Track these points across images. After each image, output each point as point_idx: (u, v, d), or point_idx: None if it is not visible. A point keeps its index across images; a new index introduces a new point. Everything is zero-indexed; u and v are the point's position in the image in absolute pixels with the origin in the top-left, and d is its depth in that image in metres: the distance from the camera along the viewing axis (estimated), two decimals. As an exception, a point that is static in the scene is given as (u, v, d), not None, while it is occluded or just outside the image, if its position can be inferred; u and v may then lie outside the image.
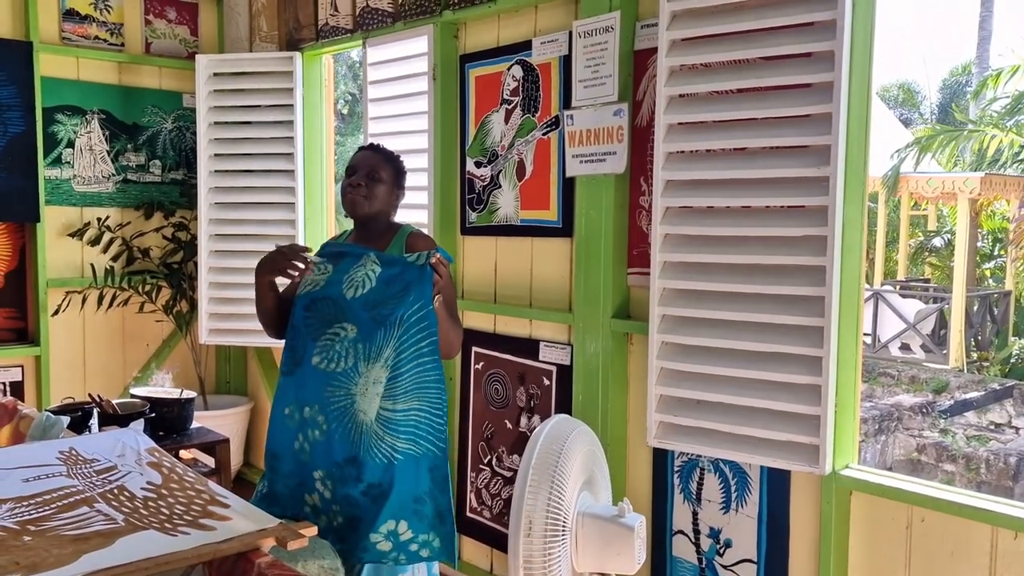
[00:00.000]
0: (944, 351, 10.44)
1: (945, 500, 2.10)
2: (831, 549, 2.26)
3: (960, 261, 10.62)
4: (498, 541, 3.26)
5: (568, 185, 2.92)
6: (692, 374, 2.43)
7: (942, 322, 10.81)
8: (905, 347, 10.92)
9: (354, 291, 2.20)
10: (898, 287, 12.41)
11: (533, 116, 3.05)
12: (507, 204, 3.17)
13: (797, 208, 2.26)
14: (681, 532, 2.66)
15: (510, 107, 3.14)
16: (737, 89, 2.34)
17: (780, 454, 2.26)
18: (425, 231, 3.35)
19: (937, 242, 14.27)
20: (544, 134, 3.02)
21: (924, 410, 8.15)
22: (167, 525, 1.66)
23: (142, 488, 1.87)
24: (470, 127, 3.30)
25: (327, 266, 2.32)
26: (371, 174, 2.33)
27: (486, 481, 3.31)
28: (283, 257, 2.24)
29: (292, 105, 3.91)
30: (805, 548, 2.37)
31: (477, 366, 3.33)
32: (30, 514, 1.70)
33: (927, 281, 13.78)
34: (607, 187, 2.73)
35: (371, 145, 2.45)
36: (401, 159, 2.45)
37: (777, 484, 2.42)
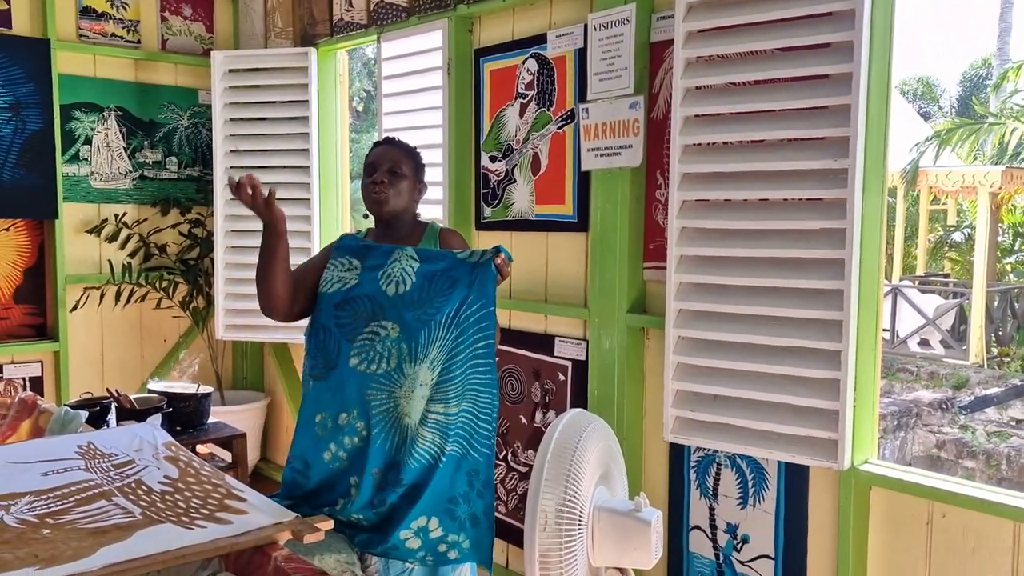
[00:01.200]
0: (964, 347, 10.34)
1: (967, 495, 2.07)
2: (850, 545, 2.24)
3: (980, 256, 10.49)
4: (513, 536, 3.26)
5: (583, 179, 2.91)
6: (709, 369, 2.41)
7: (962, 317, 10.70)
8: (924, 343, 10.82)
9: (395, 288, 2.09)
10: (917, 282, 12.31)
11: (548, 110, 3.04)
12: (522, 199, 3.16)
13: (815, 201, 2.24)
14: (698, 527, 2.65)
15: (525, 101, 3.13)
16: (754, 81, 2.32)
17: (798, 449, 2.24)
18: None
19: (957, 237, 14.12)
20: (559, 128, 3.01)
21: (944, 406, 8.07)
22: (184, 518, 1.66)
23: (159, 482, 1.87)
24: (485, 121, 3.29)
25: (353, 262, 2.20)
26: (393, 169, 2.23)
27: (501, 476, 3.30)
28: (243, 194, 2.09)
29: (307, 101, 3.92)
30: (823, 544, 2.35)
31: (492, 361, 3.33)
32: (49, 507, 1.71)
33: (947, 276, 13.64)
34: (623, 181, 2.72)
35: (388, 139, 2.35)
36: (419, 152, 2.37)
37: (795, 479, 2.40)
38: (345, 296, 2.14)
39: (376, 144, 2.36)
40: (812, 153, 2.20)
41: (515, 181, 3.18)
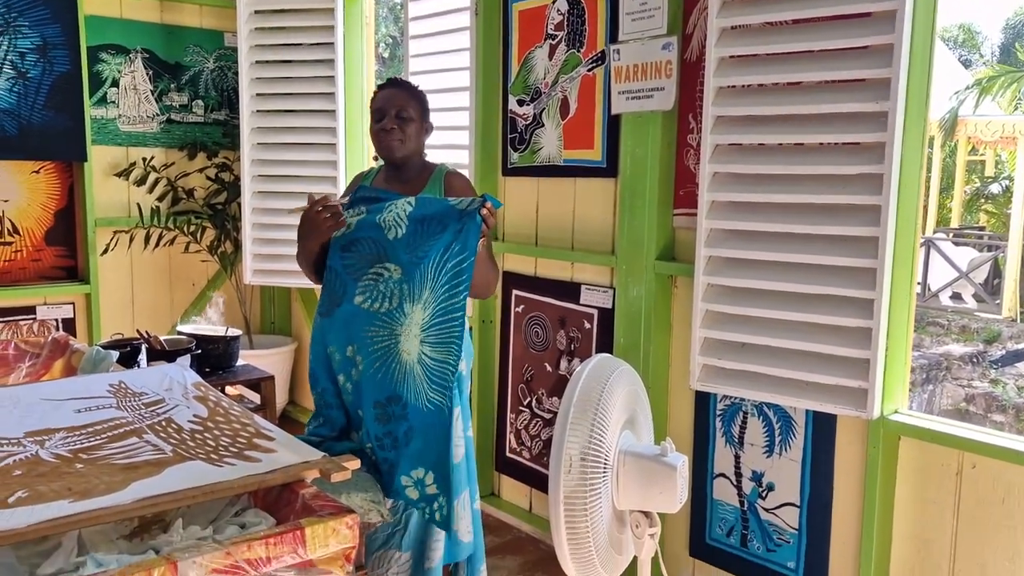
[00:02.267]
0: (997, 301, 10.17)
1: (999, 446, 2.04)
2: (876, 494, 2.23)
3: (1018, 208, 10.25)
4: (537, 481, 3.29)
5: (613, 123, 2.85)
6: (738, 317, 2.38)
7: (996, 271, 10.51)
8: (956, 296, 10.67)
9: (393, 232, 2.17)
10: (951, 235, 12.08)
11: (578, 51, 2.97)
12: (550, 143, 3.11)
13: (853, 145, 2.18)
14: (723, 475, 2.65)
15: (554, 42, 3.05)
16: (792, 20, 2.24)
17: (827, 398, 2.21)
18: (465, 172, 3.32)
19: (994, 188, 13.79)
20: (589, 70, 2.94)
21: (974, 360, 7.99)
22: (213, 456, 1.68)
23: (189, 421, 1.90)
24: (513, 64, 3.22)
25: (361, 208, 2.27)
26: (400, 114, 2.28)
27: (525, 422, 3.32)
28: (320, 216, 2.16)
29: (333, 44, 3.86)
30: (849, 493, 2.34)
31: (517, 309, 3.32)
32: (82, 443, 1.74)
33: (982, 229, 13.37)
34: (654, 125, 2.66)
35: (392, 81, 2.38)
36: (423, 91, 2.39)
37: (823, 428, 2.38)
38: (351, 239, 2.24)
39: (380, 87, 2.38)
40: (851, 95, 2.13)
41: (543, 125, 3.13)
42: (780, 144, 2.30)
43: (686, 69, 2.60)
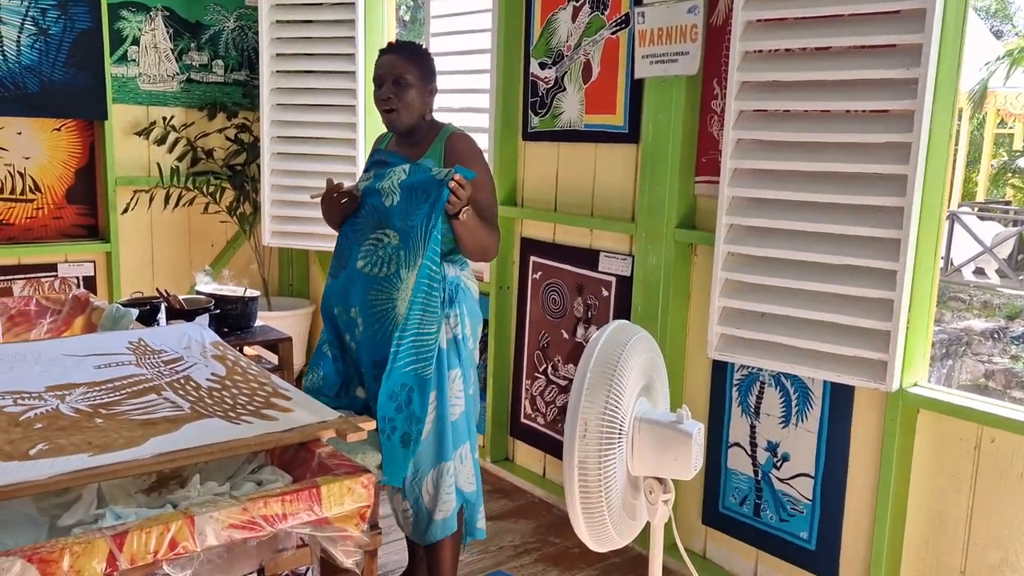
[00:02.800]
0: (1021, 276, 10.05)
1: (1019, 421, 2.02)
2: (892, 466, 2.22)
3: (1046, 183, 10.07)
4: (551, 447, 3.30)
5: (636, 88, 2.81)
6: (758, 286, 2.36)
7: (1021, 246, 10.37)
8: (979, 271, 10.54)
9: (390, 200, 2.21)
10: (976, 209, 11.90)
11: (602, 14, 2.92)
12: (571, 108, 3.07)
13: (881, 113, 2.13)
14: (737, 444, 2.64)
15: (578, 5, 3.00)
16: (822, -17, 2.18)
17: (846, 369, 2.19)
18: (484, 137, 3.29)
19: (1022, 162, 13.55)
20: (613, 33, 2.89)
21: (995, 336, 7.91)
22: (231, 414, 1.70)
23: (207, 379, 1.92)
24: (535, 26, 3.18)
25: (371, 172, 2.33)
26: (397, 81, 2.25)
27: (541, 389, 3.32)
28: (336, 200, 2.27)
29: (354, 4, 3.82)
30: (865, 465, 2.33)
31: (535, 276, 3.31)
32: (102, 399, 1.76)
33: (1008, 203, 13.17)
34: (678, 89, 2.62)
35: (390, 45, 2.34)
36: (425, 49, 2.35)
37: (840, 400, 2.37)
38: (360, 204, 2.29)
39: (380, 52, 2.34)
40: (881, 61, 2.08)
41: (564, 89, 3.09)
42: (806, 111, 2.26)
43: (711, 33, 2.55)
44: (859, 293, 2.16)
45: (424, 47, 2.38)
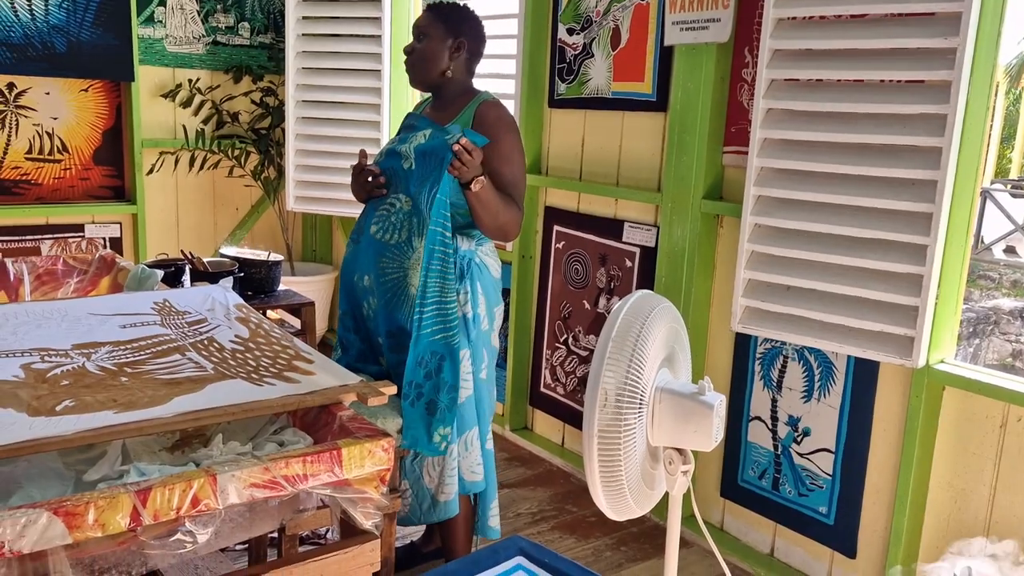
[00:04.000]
0: (1052, 256, 9.87)
1: (1047, 401, 1.99)
2: (916, 443, 2.20)
3: (1082, 160, 9.85)
4: (570, 416, 3.30)
5: (665, 55, 2.76)
6: (784, 259, 2.33)
7: (1054, 225, 10.17)
8: (1010, 250, 10.37)
9: (406, 164, 2.16)
10: (1009, 186, 11.68)
11: (631, -21, 2.87)
12: (599, 75, 3.03)
13: (916, 83, 2.08)
14: (758, 418, 2.63)
15: (607, -31, 2.95)
16: (860, -51, 2.12)
17: (872, 345, 2.17)
18: (511, 103, 3.25)
19: (1058, 140, 13.25)
20: (642, -1, 2.84)
21: (1024, 315, 7.79)
22: (254, 375, 1.71)
23: (230, 340, 1.93)
24: (564, -9, 3.13)
25: (397, 136, 2.30)
26: (420, 35, 2.22)
27: (561, 359, 3.32)
28: (362, 178, 2.23)
29: (380, -33, 3.78)
30: (887, 441, 2.31)
31: (558, 245, 3.29)
32: (127, 357, 1.77)
33: (1042, 181, 12.89)
34: (708, 57, 2.57)
35: (429, 5, 2.29)
36: (462, 8, 2.27)
37: (864, 375, 2.35)
38: (383, 166, 2.24)
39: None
40: (918, 30, 2.03)
41: (592, 56, 3.04)
42: (839, 80, 2.21)
43: (744, 0, 2.50)
44: (888, 267, 2.12)
45: (463, 6, 2.31)
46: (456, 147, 1.99)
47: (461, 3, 2.32)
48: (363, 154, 2.25)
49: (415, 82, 2.27)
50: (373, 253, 2.19)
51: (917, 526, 2.26)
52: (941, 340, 2.17)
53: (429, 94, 2.37)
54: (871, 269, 2.16)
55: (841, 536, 2.43)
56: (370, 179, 2.23)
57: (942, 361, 2.19)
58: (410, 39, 2.29)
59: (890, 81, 2.14)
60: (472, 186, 2.05)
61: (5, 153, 3.84)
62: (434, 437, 2.13)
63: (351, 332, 2.31)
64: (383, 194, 2.22)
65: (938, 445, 2.21)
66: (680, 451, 1.70)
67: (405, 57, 2.26)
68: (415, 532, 2.67)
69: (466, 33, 2.25)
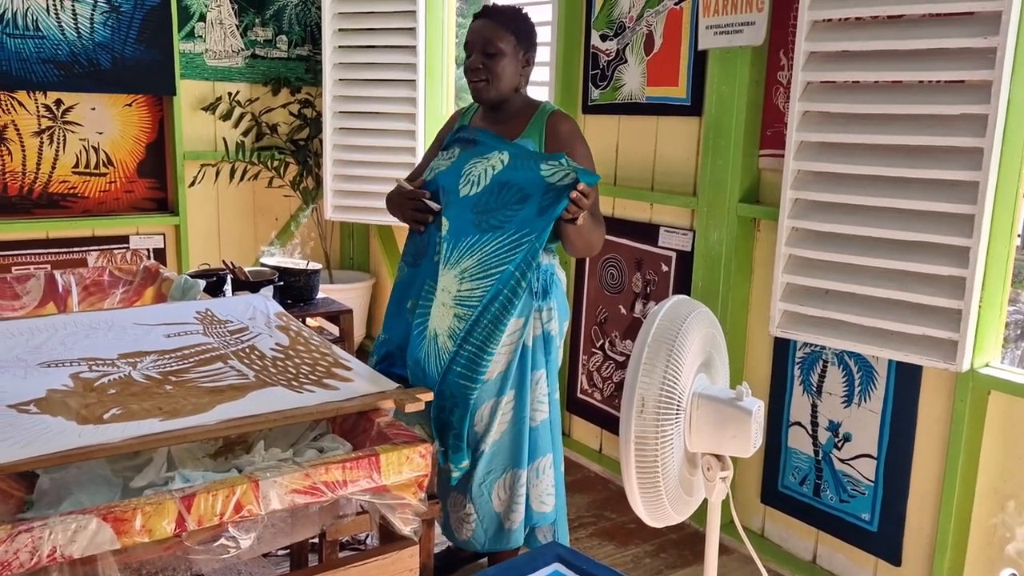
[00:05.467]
0: (1103, 256, 9.60)
1: (1097, 406, 1.94)
2: (961, 449, 2.16)
3: None
4: (607, 422, 3.30)
5: (699, 59, 2.75)
6: (823, 262, 2.30)
7: (1104, 224, 9.89)
8: (1058, 250, 10.09)
9: (469, 188, 2.03)
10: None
11: (664, -16, 2.86)
12: (632, 80, 3.03)
13: (956, 84, 2.05)
14: (798, 424, 2.60)
15: (640, -25, 2.95)
16: (897, -52, 2.10)
17: (914, 348, 2.13)
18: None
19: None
20: (676, 4, 2.83)
21: (1073, 317, 7.58)
22: (294, 383, 1.74)
23: (271, 349, 1.96)
24: (596, -3, 3.13)
25: (455, 150, 2.16)
26: (487, 50, 2.05)
27: (598, 364, 3.32)
28: (408, 204, 2.14)
29: (414, -22, 3.82)
30: (931, 447, 2.27)
31: (595, 249, 3.29)
32: (171, 366, 1.81)
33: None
34: (743, 61, 2.56)
35: (484, 10, 2.14)
36: (524, 15, 2.13)
37: (906, 379, 2.31)
38: (433, 185, 2.14)
39: (474, 17, 2.15)
40: (957, 29, 2.00)
41: (626, 61, 3.04)
42: (876, 82, 2.18)
43: (778, 2, 2.48)
44: (929, 270, 2.09)
45: (523, 11, 2.15)
46: (575, 195, 1.87)
47: (519, 8, 2.20)
48: (400, 184, 2.16)
49: (483, 100, 2.12)
50: (421, 280, 2.14)
51: (963, 534, 2.21)
52: (985, 343, 2.13)
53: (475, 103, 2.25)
54: (912, 272, 2.13)
55: (885, 543, 2.39)
56: (420, 208, 2.12)
57: (987, 365, 2.15)
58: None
59: (929, 82, 2.11)
60: (577, 221, 1.94)
61: (53, 167, 3.95)
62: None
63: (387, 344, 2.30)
64: (428, 220, 2.13)
65: (984, 451, 2.17)
66: (719, 457, 1.69)
67: (468, 71, 2.10)
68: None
69: (532, 42, 2.14)
